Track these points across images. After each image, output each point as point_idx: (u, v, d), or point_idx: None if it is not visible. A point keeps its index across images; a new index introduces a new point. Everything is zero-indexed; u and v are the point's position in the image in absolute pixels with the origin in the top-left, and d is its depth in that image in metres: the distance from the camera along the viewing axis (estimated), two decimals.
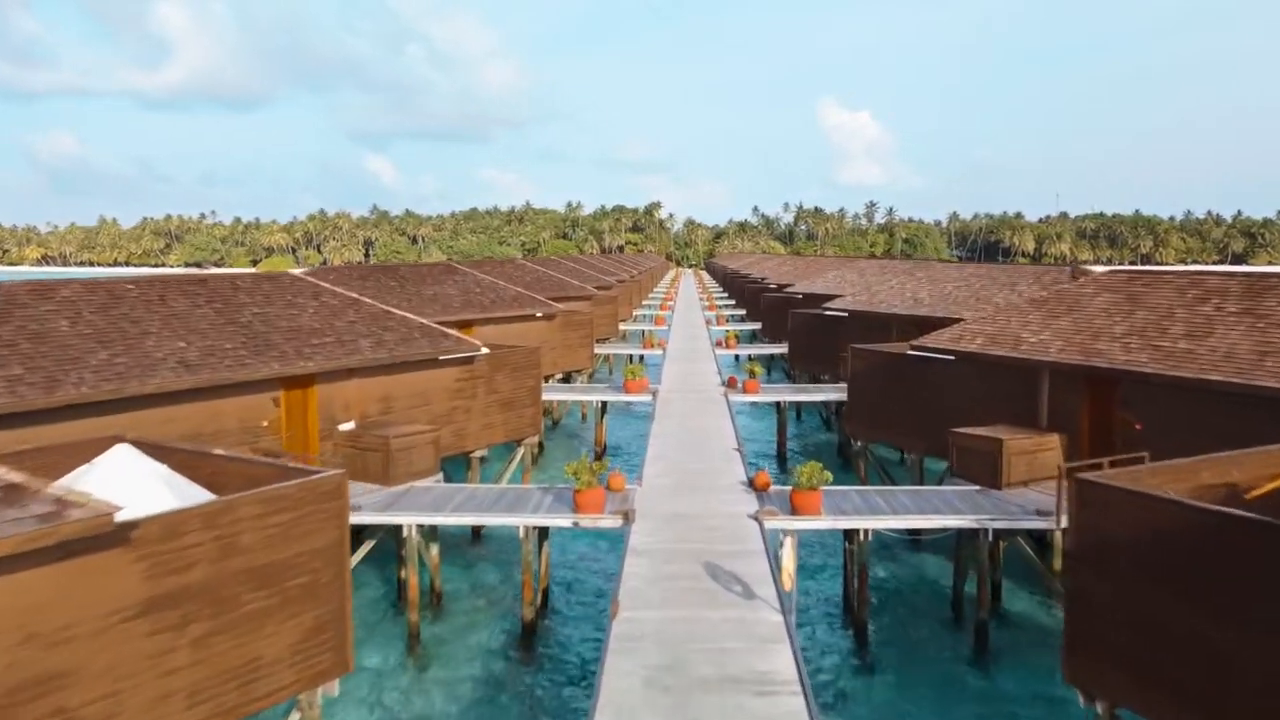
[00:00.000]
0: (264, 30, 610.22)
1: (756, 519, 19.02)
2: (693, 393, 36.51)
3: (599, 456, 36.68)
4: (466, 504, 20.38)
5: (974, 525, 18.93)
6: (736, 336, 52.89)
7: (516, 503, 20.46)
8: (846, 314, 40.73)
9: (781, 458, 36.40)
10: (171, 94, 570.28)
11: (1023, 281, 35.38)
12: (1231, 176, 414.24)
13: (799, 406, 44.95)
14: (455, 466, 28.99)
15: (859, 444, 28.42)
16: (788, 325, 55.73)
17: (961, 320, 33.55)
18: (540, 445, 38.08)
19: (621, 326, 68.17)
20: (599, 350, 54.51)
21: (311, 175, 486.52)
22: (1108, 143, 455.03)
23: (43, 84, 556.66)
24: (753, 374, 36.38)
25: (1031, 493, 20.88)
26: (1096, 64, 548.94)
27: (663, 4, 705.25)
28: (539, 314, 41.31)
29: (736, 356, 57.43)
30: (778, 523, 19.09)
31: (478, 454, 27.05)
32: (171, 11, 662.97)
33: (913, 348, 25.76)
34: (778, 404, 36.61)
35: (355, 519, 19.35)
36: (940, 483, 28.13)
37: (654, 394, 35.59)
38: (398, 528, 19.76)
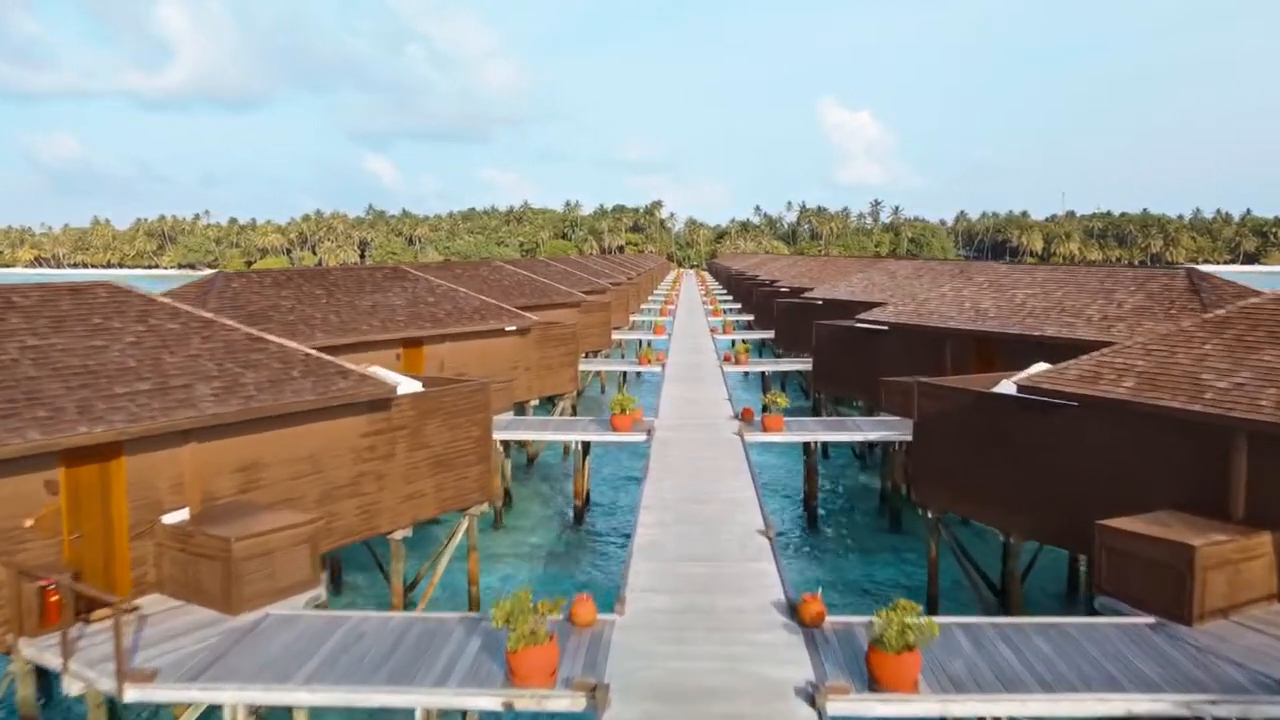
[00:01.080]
0: (263, 31, 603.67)
1: (813, 699, 11.29)
2: (698, 428, 28.77)
3: (579, 514, 28.90)
4: (341, 657, 12.65)
5: (1182, 712, 11.20)
6: (747, 349, 45.20)
7: (422, 650, 12.76)
8: (887, 327, 33.01)
9: (811, 515, 28.62)
10: (171, 95, 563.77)
11: (1121, 288, 27.64)
12: (1237, 175, 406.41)
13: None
14: (379, 543, 21.31)
15: (931, 515, 20.65)
16: (808, 337, 48.08)
17: (1050, 340, 25.88)
18: (507, 495, 30.41)
19: (616, 336, 60.48)
20: (587, 367, 46.81)
21: (312, 176, 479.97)
22: (1110, 142, 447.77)
23: (43, 85, 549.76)
24: (770, 407, 28.64)
25: (1245, 631, 13.14)
26: (1097, 63, 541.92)
27: (663, 4, 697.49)
28: (510, 327, 33.64)
29: (746, 374, 49.80)
30: (846, 705, 11.38)
31: (399, 535, 19.34)
32: (171, 12, 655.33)
33: (1021, 389, 17.99)
34: (806, 445, 28.88)
35: (144, 694, 11.68)
36: (1027, 562, 20.47)
37: (649, 432, 27.85)
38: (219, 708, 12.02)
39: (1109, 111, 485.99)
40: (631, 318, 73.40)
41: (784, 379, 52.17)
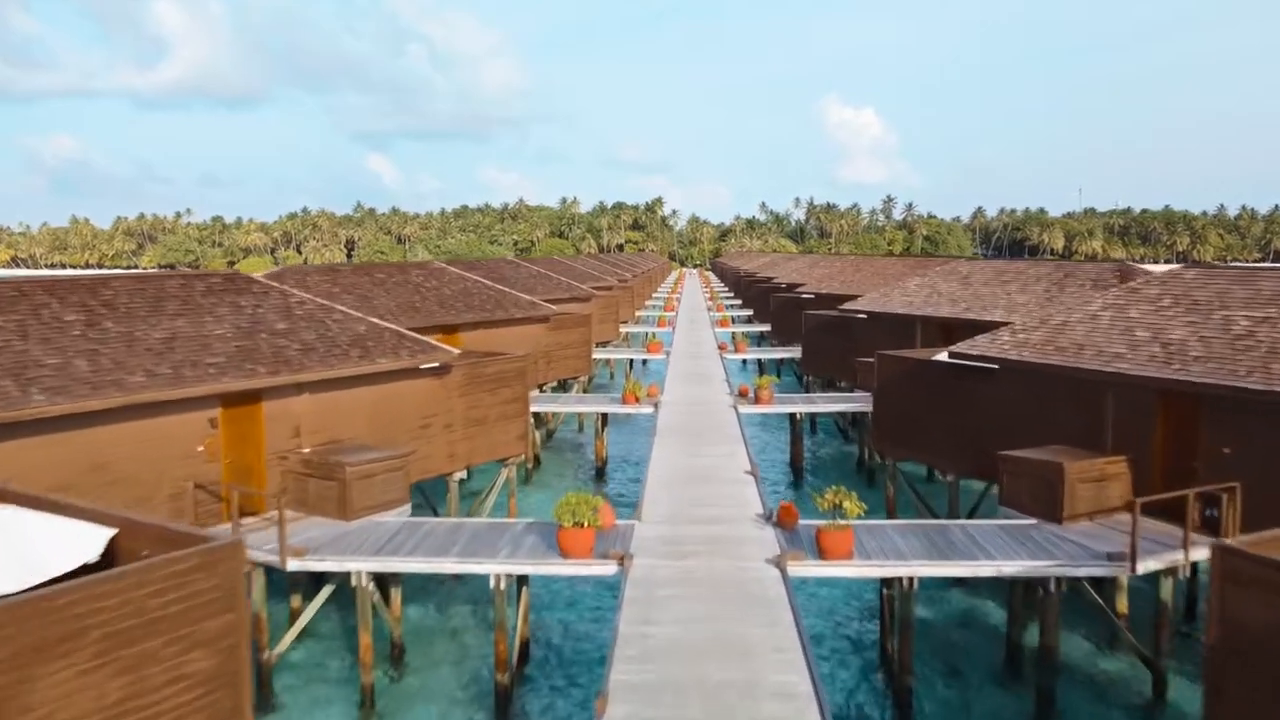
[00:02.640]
0: (261, 30, 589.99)
1: None
2: (710, 548, 17.01)
3: None
4: None
5: None
6: (769, 385, 33.21)
7: None
8: (996, 365, 21.25)
9: (903, 707, 16.60)
10: (169, 94, 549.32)
11: None
12: (1259, 171, 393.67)
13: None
14: None
15: None
16: (846, 360, 36.31)
17: None
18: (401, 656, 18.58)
19: (601, 355, 48.69)
20: (554, 407, 34.98)
21: (314, 176, 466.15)
22: (1123, 138, 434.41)
23: (40, 85, 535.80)
24: (834, 511, 16.73)
25: None
26: (1105, 60, 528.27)
27: (663, 4, 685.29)
28: (432, 365, 22.06)
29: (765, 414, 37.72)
30: None
31: None
32: (168, 10, 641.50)
33: None
34: (889, 582, 16.93)
35: None
36: None
37: (623, 562, 16.08)
38: None
39: (1120, 107, 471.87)
40: (624, 329, 61.66)
41: (814, 421, 40.38)
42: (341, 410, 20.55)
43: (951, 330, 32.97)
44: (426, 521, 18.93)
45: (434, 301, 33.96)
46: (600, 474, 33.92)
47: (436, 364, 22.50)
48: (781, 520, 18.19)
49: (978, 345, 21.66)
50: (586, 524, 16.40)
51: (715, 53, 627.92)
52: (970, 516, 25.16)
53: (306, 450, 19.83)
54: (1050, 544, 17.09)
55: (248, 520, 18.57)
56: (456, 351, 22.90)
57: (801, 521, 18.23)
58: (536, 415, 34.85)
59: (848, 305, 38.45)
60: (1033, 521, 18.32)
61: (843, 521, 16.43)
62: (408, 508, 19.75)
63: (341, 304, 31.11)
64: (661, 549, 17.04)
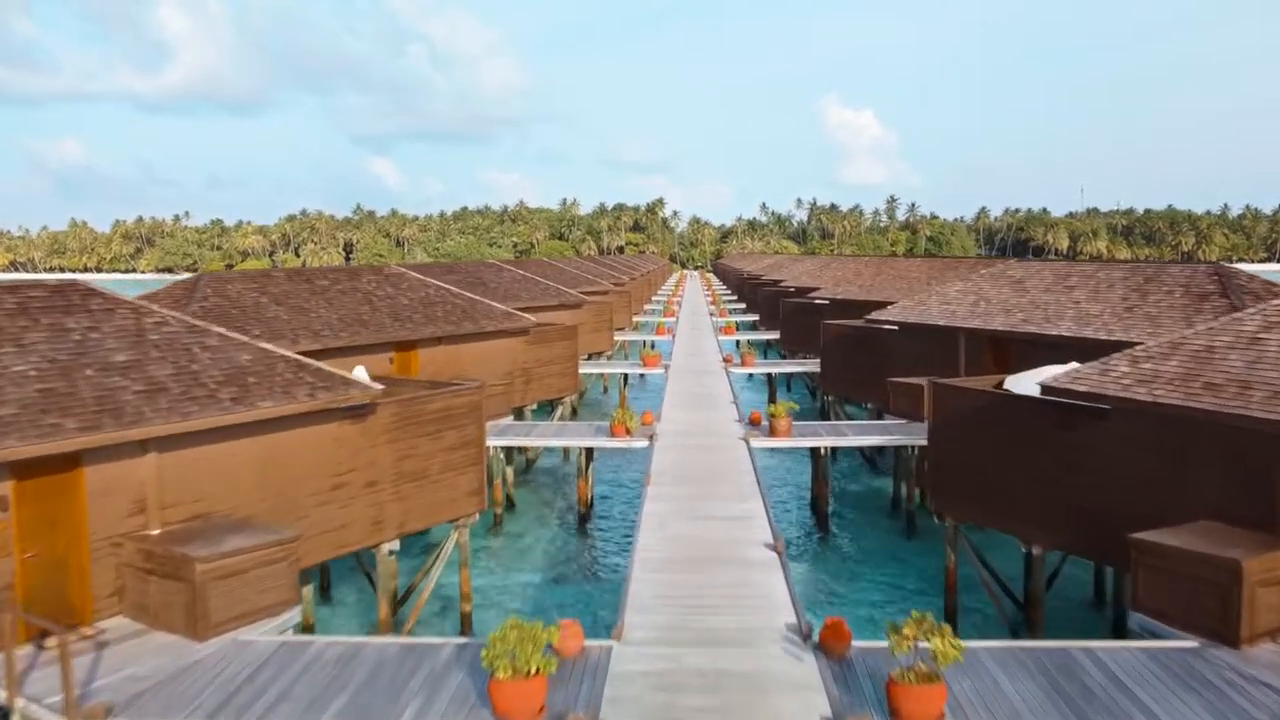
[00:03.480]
0: (262, 32, 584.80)
1: None
2: (721, 707, 11.24)
3: None
4: None
5: None
6: (787, 413, 27.39)
7: None
8: (1107, 406, 15.51)
9: None
10: (172, 97, 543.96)
11: None
12: (1262, 170, 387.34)
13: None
14: None
15: None
16: (871, 370, 30.64)
17: None
18: None
19: (591, 370, 43.03)
20: (524, 441, 29.16)
21: (317, 179, 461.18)
22: (1124, 138, 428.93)
23: (42, 88, 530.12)
24: (916, 651, 10.99)
25: None
26: (1105, 59, 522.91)
27: (663, 4, 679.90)
28: (352, 405, 16.40)
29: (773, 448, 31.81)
30: None
31: None
32: (169, 14, 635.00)
33: None
34: None
35: None
36: None
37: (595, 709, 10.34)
38: None
39: (1120, 107, 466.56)
40: (620, 336, 55.94)
41: (834, 453, 34.58)
42: (212, 471, 14.83)
43: (1004, 345, 27.35)
44: (313, 642, 13.14)
45: (386, 313, 28.26)
46: (584, 521, 28.22)
47: (356, 403, 16.80)
48: (826, 643, 12.43)
49: (1086, 378, 15.88)
50: (535, 670, 10.66)
51: (715, 53, 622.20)
52: (1048, 590, 19.55)
53: (156, 532, 14.14)
54: (1233, 688, 11.35)
55: (55, 642, 12.86)
56: (379, 387, 17.14)
57: (855, 643, 12.50)
58: (511, 447, 29.19)
59: (876, 314, 32.69)
60: (1192, 643, 12.57)
61: (926, 668, 10.67)
62: (294, 613, 14.02)
63: (269, 316, 25.51)
64: (648, 700, 11.27)
